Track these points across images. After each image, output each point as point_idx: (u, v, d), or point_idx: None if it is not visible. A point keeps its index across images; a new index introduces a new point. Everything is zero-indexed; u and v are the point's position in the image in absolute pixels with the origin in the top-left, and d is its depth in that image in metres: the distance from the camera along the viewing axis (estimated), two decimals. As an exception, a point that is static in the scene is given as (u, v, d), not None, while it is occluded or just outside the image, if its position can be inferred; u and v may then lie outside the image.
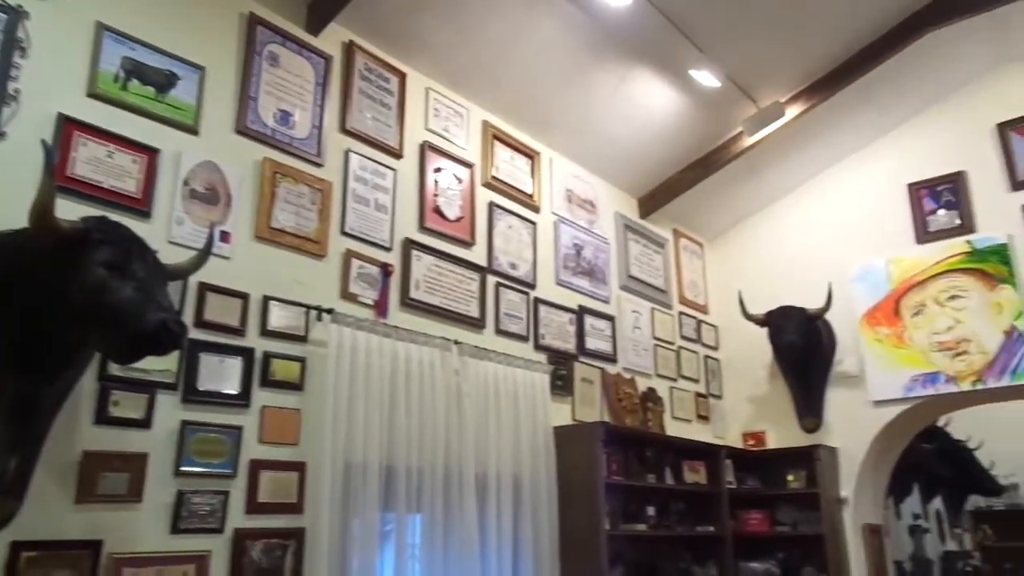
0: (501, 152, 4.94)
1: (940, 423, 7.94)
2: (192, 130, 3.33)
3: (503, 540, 4.06)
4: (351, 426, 3.46)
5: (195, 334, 3.09)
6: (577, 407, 4.95)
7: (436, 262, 4.27)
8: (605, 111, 5.18)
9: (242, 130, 3.53)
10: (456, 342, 4.14)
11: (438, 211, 4.38)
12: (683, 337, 6.21)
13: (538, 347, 4.81)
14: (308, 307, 3.54)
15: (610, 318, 5.47)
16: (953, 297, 5.54)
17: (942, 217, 5.72)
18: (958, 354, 5.46)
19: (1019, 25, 5.24)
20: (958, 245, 5.58)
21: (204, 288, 3.18)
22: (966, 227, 5.60)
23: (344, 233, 3.85)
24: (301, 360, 3.47)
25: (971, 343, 5.41)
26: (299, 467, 3.34)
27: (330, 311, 3.57)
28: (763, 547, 5.70)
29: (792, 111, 5.38)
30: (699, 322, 6.45)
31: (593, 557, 4.29)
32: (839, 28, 5.02)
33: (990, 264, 5.43)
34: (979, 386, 5.36)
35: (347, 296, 3.77)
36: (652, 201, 6.10)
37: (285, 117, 3.71)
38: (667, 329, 6.05)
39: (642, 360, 5.68)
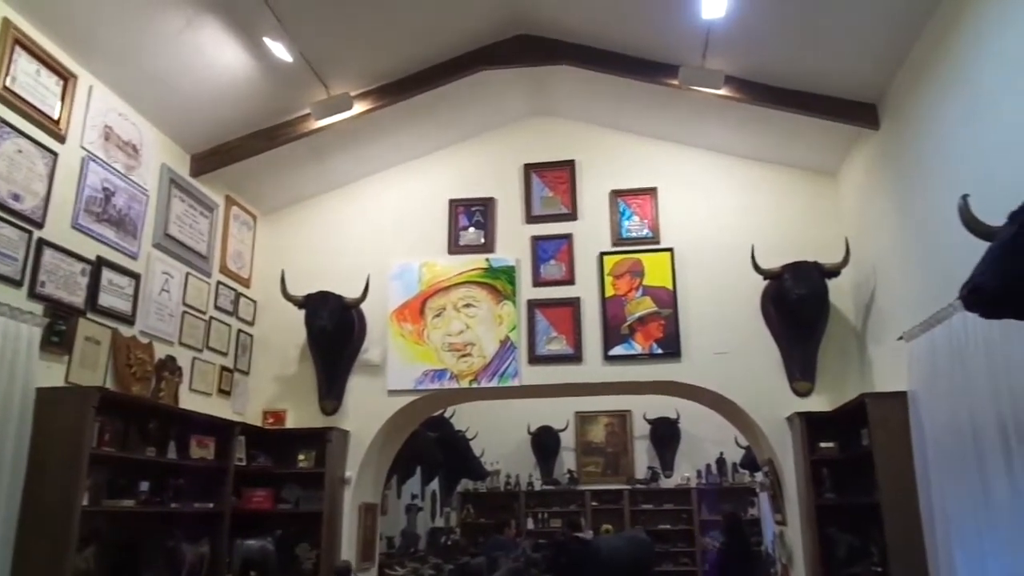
0: (24, 63, 4.17)
1: (448, 415, 8.99)
2: None
3: (-63, 516, 3.40)
4: None
5: None
6: (75, 368, 4.40)
7: (-101, 172, 3.42)
8: (166, 52, 4.73)
9: None
10: (-89, 274, 3.36)
11: (-86, 110, 3.52)
12: (217, 308, 5.95)
13: (34, 295, 4.15)
14: None
15: (135, 276, 4.99)
16: (468, 305, 6.29)
17: (471, 234, 6.47)
18: (463, 355, 6.20)
19: (550, 87, 6.22)
20: (479, 261, 6.36)
21: None
22: (488, 246, 6.41)
23: None
24: None
25: (475, 347, 6.20)
26: None
27: None
28: (263, 524, 5.74)
29: (360, 107, 5.57)
30: (238, 295, 6.26)
31: (62, 535, 3.90)
32: (413, 42, 5.36)
33: (500, 281, 6.29)
34: (475, 385, 6.16)
35: None
36: (207, 161, 5.75)
37: None
38: (201, 297, 5.75)
39: (166, 326, 5.29)
